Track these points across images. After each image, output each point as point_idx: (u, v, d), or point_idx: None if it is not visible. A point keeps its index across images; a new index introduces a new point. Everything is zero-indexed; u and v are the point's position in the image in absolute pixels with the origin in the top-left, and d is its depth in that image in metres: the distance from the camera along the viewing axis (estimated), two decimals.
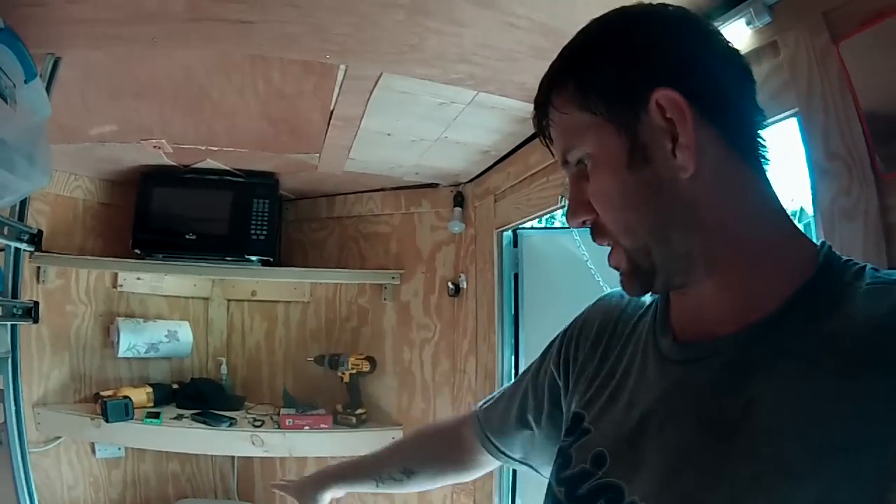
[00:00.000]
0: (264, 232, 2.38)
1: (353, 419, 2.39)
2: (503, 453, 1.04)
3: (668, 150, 0.62)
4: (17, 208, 1.32)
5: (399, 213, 2.55)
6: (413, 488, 1.20)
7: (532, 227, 2.13)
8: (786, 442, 0.54)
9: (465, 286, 2.32)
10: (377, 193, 2.59)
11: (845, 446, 0.51)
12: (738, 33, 1.06)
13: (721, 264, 0.64)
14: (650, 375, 0.72)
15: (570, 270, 1.89)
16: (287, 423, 2.37)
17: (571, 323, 0.95)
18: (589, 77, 0.68)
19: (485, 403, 1.11)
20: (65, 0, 1.14)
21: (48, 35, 1.28)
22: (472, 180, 2.33)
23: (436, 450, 1.20)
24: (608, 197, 0.67)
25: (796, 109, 0.98)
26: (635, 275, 0.69)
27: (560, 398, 0.91)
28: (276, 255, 2.51)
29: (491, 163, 2.13)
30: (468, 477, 1.19)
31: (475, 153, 2.04)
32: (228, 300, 2.91)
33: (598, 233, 0.71)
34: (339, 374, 2.43)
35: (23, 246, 1.32)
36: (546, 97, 0.72)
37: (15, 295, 1.35)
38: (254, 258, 2.41)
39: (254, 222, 2.38)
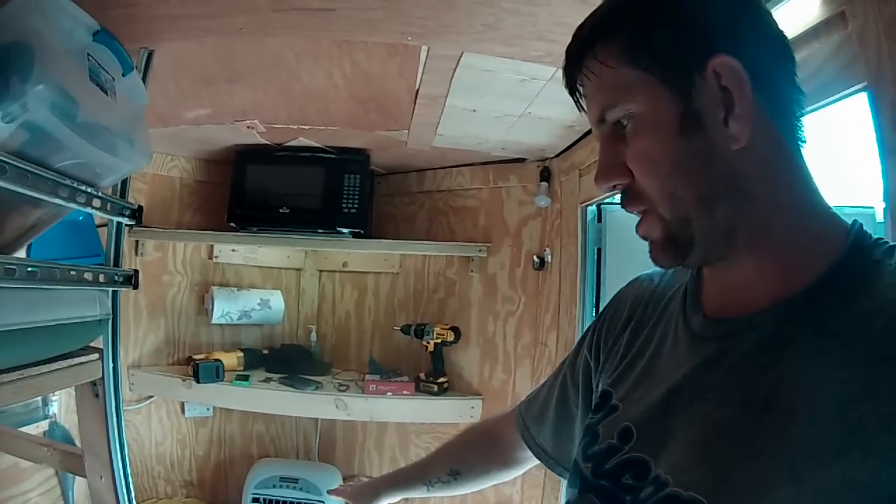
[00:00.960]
0: (355, 206, 2.44)
1: (435, 387, 2.44)
2: (540, 447, 1.04)
3: (720, 119, 0.61)
4: (119, 186, 1.41)
5: (487, 188, 2.56)
6: (462, 489, 1.21)
7: (615, 203, 2.10)
8: (814, 421, 0.54)
9: (549, 260, 2.32)
10: (466, 168, 2.60)
11: (872, 427, 0.51)
12: (806, 2, 1.01)
13: (761, 241, 0.64)
14: (681, 353, 0.72)
15: None
16: (370, 389, 2.44)
17: (604, 308, 0.95)
18: (645, 32, 0.64)
19: (528, 396, 1.11)
20: None
21: (141, 31, 1.37)
22: (557, 155, 2.32)
23: (480, 449, 1.21)
24: (654, 162, 0.65)
25: (865, 83, 0.93)
26: (670, 245, 0.66)
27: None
28: (368, 227, 2.57)
29: (576, 138, 2.12)
30: (512, 474, 1.19)
31: (560, 128, 2.03)
32: (320, 271, 3.01)
33: (631, 198, 0.68)
34: (424, 343, 2.49)
35: (124, 220, 1.40)
36: (587, 48, 0.68)
37: (117, 264, 1.45)
38: (345, 230, 2.47)
39: (345, 196, 2.44)
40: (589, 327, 0.97)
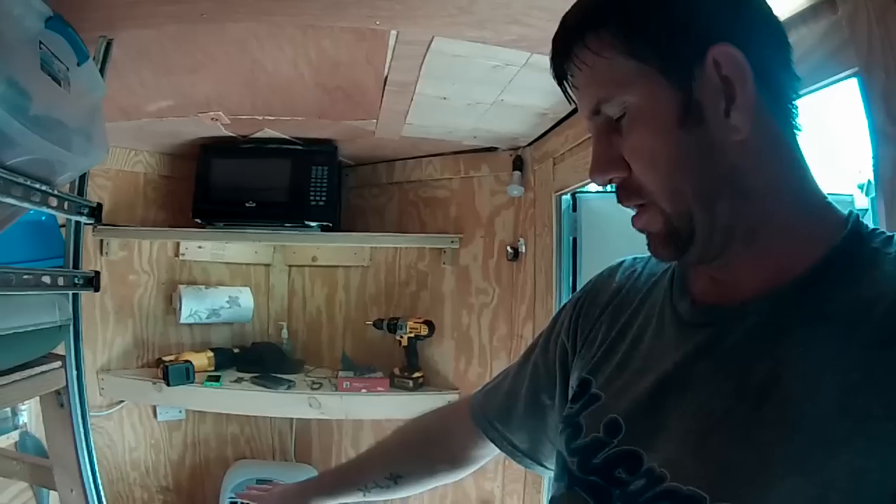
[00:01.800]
0: (323, 198, 2.40)
1: (410, 382, 2.42)
2: (508, 442, 0.98)
3: (720, 111, 0.60)
4: (77, 183, 1.36)
5: (458, 178, 2.53)
6: (403, 493, 1.12)
7: (590, 191, 2.08)
8: (817, 408, 0.53)
9: (523, 250, 2.29)
10: (436, 158, 2.57)
11: (877, 415, 0.50)
12: None
13: (758, 235, 0.63)
14: (668, 340, 0.71)
15: (628, 235, 1.86)
16: (344, 386, 2.41)
17: (581, 289, 0.93)
18: (641, 21, 0.62)
19: (483, 388, 1.06)
20: None
21: (99, 18, 1.31)
22: (530, 144, 2.29)
23: (422, 450, 1.13)
24: (653, 155, 0.63)
25: (857, 69, 0.92)
26: (671, 240, 0.65)
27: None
28: (337, 220, 2.54)
29: (549, 126, 2.09)
30: (460, 474, 1.11)
31: (533, 116, 2.00)
32: (289, 266, 2.97)
33: (628, 192, 0.66)
34: (398, 337, 2.46)
35: (83, 219, 1.36)
36: (577, 37, 0.66)
37: (76, 266, 1.40)
38: (313, 224, 2.43)
39: (313, 189, 2.40)
40: (562, 311, 0.95)
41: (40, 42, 1.04)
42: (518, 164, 2.32)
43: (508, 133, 2.22)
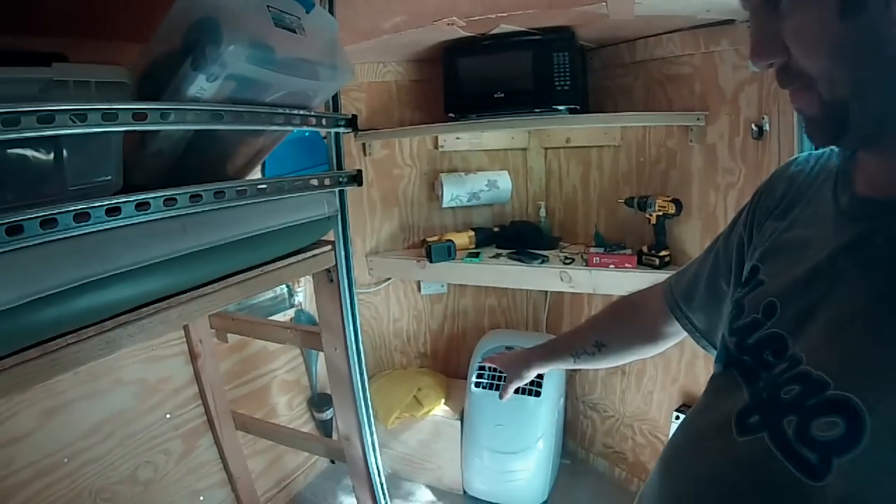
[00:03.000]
0: (568, 82, 2.46)
1: (657, 261, 2.46)
2: (689, 320, 1.05)
3: (882, 1, 0.56)
4: (330, 102, 1.59)
5: (699, 53, 2.40)
6: (606, 363, 1.24)
7: None
8: None
9: (768, 129, 2.17)
10: (675, 34, 2.46)
11: None
12: None
13: None
14: (825, 231, 0.71)
15: None
16: (594, 262, 2.52)
17: (760, 185, 0.94)
18: None
19: (678, 271, 1.12)
20: None
21: None
22: None
23: (625, 322, 1.23)
24: (814, 41, 0.59)
25: None
26: (826, 125, 0.62)
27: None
28: (584, 102, 2.59)
29: None
30: (655, 350, 1.20)
31: None
32: (545, 148, 3.07)
33: (788, 76, 0.63)
34: (647, 215, 2.49)
35: (341, 130, 1.59)
36: None
37: (339, 167, 1.64)
38: (561, 107, 2.50)
39: (556, 74, 2.47)
40: (745, 204, 0.96)
41: (268, 6, 1.25)
42: None
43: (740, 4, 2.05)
